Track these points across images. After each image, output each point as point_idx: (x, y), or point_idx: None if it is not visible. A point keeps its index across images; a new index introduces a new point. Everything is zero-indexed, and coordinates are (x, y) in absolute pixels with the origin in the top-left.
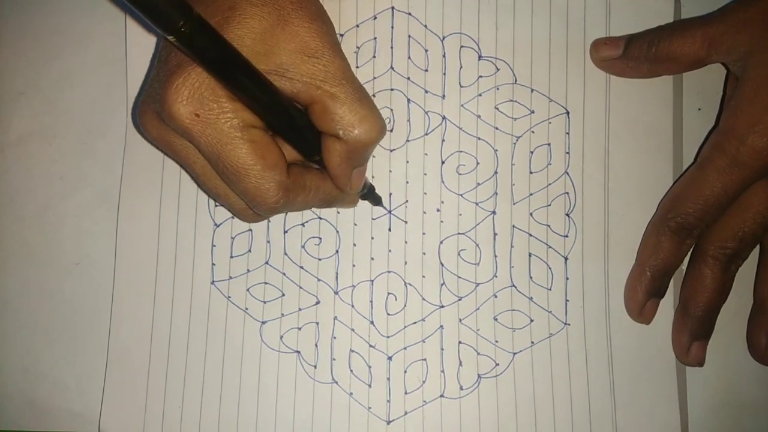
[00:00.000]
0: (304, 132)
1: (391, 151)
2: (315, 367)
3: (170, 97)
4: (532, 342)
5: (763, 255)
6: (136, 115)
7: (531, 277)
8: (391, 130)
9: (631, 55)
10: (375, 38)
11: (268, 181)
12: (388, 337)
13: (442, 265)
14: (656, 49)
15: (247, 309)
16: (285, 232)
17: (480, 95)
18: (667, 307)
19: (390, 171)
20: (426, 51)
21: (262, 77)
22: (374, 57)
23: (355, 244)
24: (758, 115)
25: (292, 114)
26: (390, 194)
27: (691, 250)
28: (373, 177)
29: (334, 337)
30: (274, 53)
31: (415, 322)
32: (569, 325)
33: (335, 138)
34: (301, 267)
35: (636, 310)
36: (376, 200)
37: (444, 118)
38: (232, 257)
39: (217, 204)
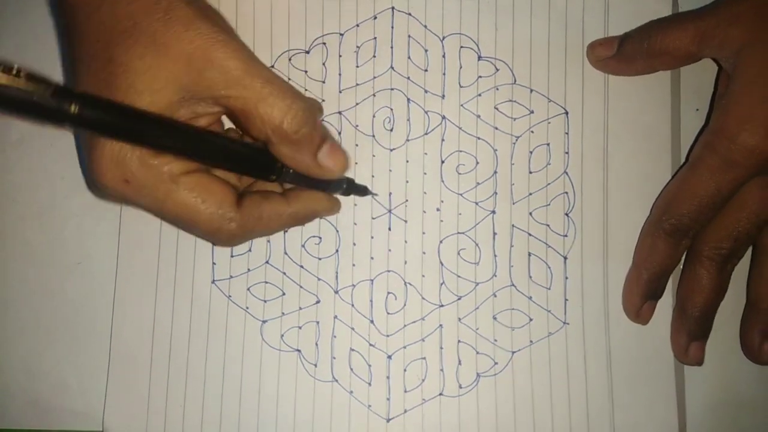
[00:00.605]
0: (244, 157)
1: (391, 150)
2: (315, 365)
3: (95, 172)
4: (531, 341)
5: (756, 254)
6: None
7: (530, 277)
8: (391, 130)
9: (625, 52)
10: (375, 38)
11: (218, 221)
12: (387, 336)
13: (442, 264)
14: (648, 44)
15: (247, 308)
16: (285, 231)
17: (479, 95)
18: (665, 307)
19: (390, 170)
20: (426, 51)
21: (176, 122)
22: (374, 57)
23: (355, 244)
24: (749, 112)
25: (223, 146)
26: (390, 193)
27: (687, 251)
28: (373, 176)
29: (335, 336)
30: (170, 83)
31: (414, 321)
32: (568, 324)
33: (271, 141)
34: (302, 266)
35: (633, 312)
36: (360, 191)
37: (444, 117)
38: (232, 256)
39: None
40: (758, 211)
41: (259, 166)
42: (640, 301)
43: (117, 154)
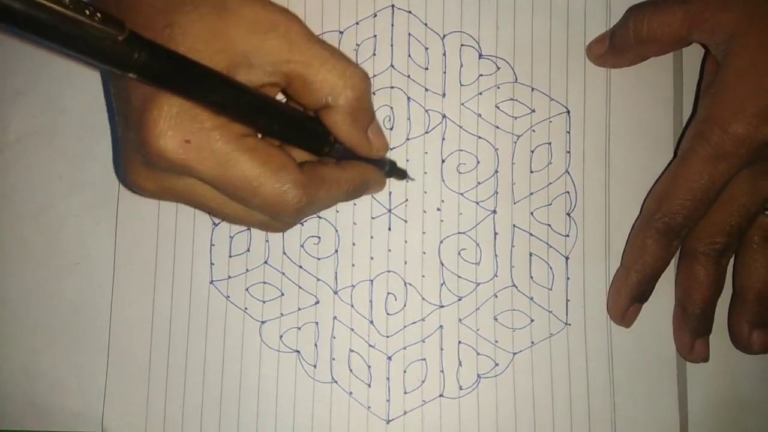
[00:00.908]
0: (301, 124)
1: (391, 149)
2: (315, 366)
3: (152, 135)
4: (533, 342)
5: (741, 244)
6: (123, 178)
7: (531, 277)
8: (391, 128)
9: (616, 44)
10: (375, 36)
11: (283, 183)
12: (387, 336)
13: (442, 264)
14: (634, 31)
15: (246, 309)
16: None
17: (480, 94)
18: (665, 306)
19: None
20: (426, 49)
21: (237, 83)
22: (374, 55)
23: (354, 244)
24: (741, 102)
25: (280, 110)
26: (390, 193)
27: (681, 248)
28: None
29: (334, 337)
30: (231, 46)
31: (414, 322)
32: (570, 325)
33: (329, 109)
34: (301, 266)
35: (618, 315)
36: (401, 174)
37: (444, 116)
38: (230, 257)
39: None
40: (748, 203)
41: (315, 136)
42: (627, 303)
43: (176, 113)
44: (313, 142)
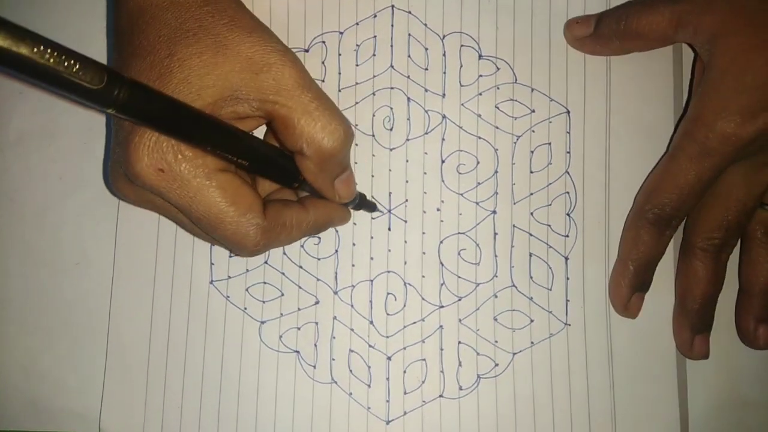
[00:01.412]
0: (274, 162)
1: (391, 150)
2: (314, 367)
3: (131, 158)
4: (532, 342)
5: (744, 240)
6: (110, 184)
7: (531, 277)
8: (391, 129)
9: (601, 32)
10: (375, 36)
11: (245, 226)
12: (387, 337)
13: (442, 264)
14: (624, 25)
15: (246, 309)
16: None
17: (480, 94)
18: (665, 306)
19: (390, 170)
20: (426, 50)
21: (217, 121)
22: (374, 55)
23: (354, 244)
24: (725, 101)
25: (256, 148)
26: (390, 193)
27: (680, 245)
28: (372, 176)
29: (334, 337)
30: (222, 81)
31: (414, 322)
32: (569, 325)
33: (302, 155)
34: (300, 267)
35: (621, 305)
36: (370, 207)
37: (444, 117)
38: (230, 257)
39: None
40: (744, 198)
41: (286, 173)
42: (627, 293)
43: (155, 142)
44: (284, 178)
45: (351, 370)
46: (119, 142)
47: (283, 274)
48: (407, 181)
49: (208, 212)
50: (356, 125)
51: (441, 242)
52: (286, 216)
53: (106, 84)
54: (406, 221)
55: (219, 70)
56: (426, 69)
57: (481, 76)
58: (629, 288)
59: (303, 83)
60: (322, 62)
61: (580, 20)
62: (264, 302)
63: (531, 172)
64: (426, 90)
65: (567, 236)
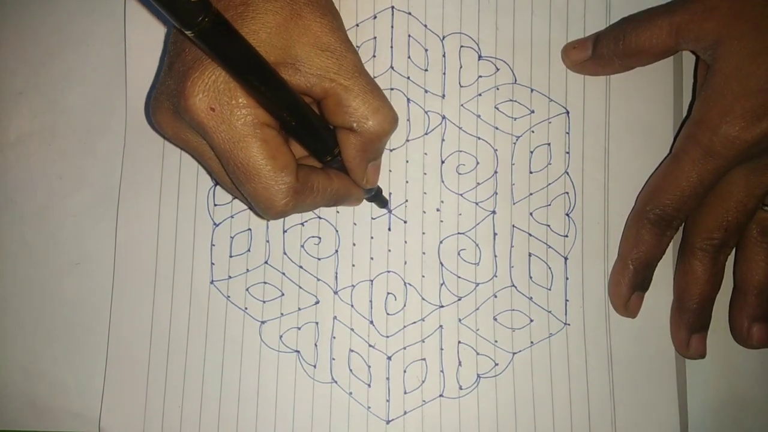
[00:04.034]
0: (317, 130)
1: (391, 150)
2: (314, 366)
3: (187, 91)
4: (532, 342)
5: (741, 239)
6: (149, 111)
7: (531, 277)
8: None
9: (600, 53)
10: (375, 37)
11: (278, 183)
12: (387, 336)
13: (442, 264)
14: (623, 44)
15: (246, 309)
16: (284, 231)
17: (480, 95)
18: (665, 306)
19: (390, 171)
20: (426, 50)
21: (278, 76)
22: (374, 56)
23: (354, 244)
24: (729, 105)
25: (306, 112)
26: (390, 194)
27: (679, 245)
28: None
29: (334, 337)
30: (288, 46)
31: (414, 322)
32: (569, 325)
33: (349, 131)
34: (301, 267)
35: (621, 304)
36: (383, 202)
37: (444, 117)
38: (231, 257)
39: (216, 204)
40: (744, 199)
41: (324, 146)
42: (627, 292)
43: (214, 82)
44: (321, 148)
45: (351, 370)
46: (175, 74)
47: (284, 274)
48: (407, 182)
49: (246, 162)
50: None
51: (441, 242)
52: (314, 180)
53: (195, 5)
54: (406, 221)
55: (288, 36)
56: (426, 70)
57: (480, 76)
58: (629, 287)
59: (362, 69)
60: None
61: (576, 44)
62: (264, 302)
63: (530, 172)
64: (426, 91)
65: (566, 236)
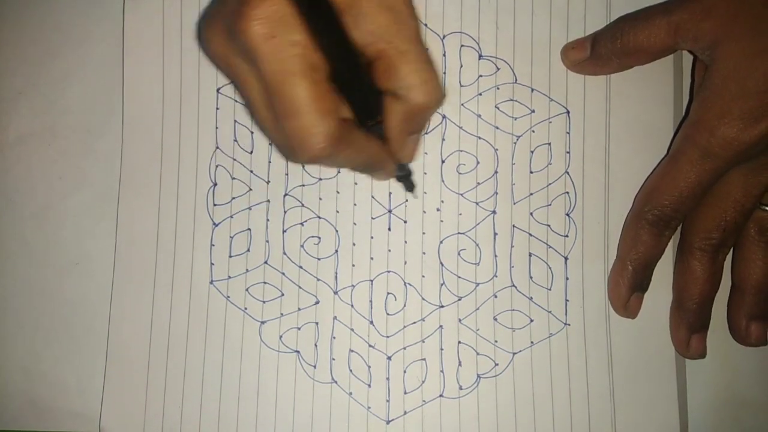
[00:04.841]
0: (366, 90)
1: None
2: (314, 366)
3: (249, 14)
4: (532, 342)
5: (739, 238)
6: (200, 30)
7: (531, 277)
8: None
9: (599, 53)
10: None
11: (319, 125)
12: (387, 337)
13: (442, 264)
14: (621, 43)
15: (246, 309)
16: (284, 231)
17: (480, 94)
18: (665, 306)
19: None
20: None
21: (340, 22)
22: None
23: (354, 244)
24: (727, 106)
25: (359, 67)
26: (390, 193)
27: (678, 245)
28: None
29: (334, 337)
30: None
31: (414, 322)
32: (569, 325)
33: (396, 98)
34: (301, 267)
35: (620, 305)
36: (410, 186)
37: (444, 117)
38: (230, 257)
39: (215, 204)
40: (742, 199)
41: (369, 108)
42: (626, 293)
43: (277, 11)
44: (365, 111)
45: (351, 370)
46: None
47: (283, 274)
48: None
49: (293, 97)
50: None
51: (441, 242)
52: (355, 136)
53: None
54: (406, 221)
55: None
56: None
57: (481, 76)
58: (628, 288)
59: (420, 38)
60: None
61: (575, 45)
62: (264, 302)
63: (531, 172)
64: None
65: (566, 236)
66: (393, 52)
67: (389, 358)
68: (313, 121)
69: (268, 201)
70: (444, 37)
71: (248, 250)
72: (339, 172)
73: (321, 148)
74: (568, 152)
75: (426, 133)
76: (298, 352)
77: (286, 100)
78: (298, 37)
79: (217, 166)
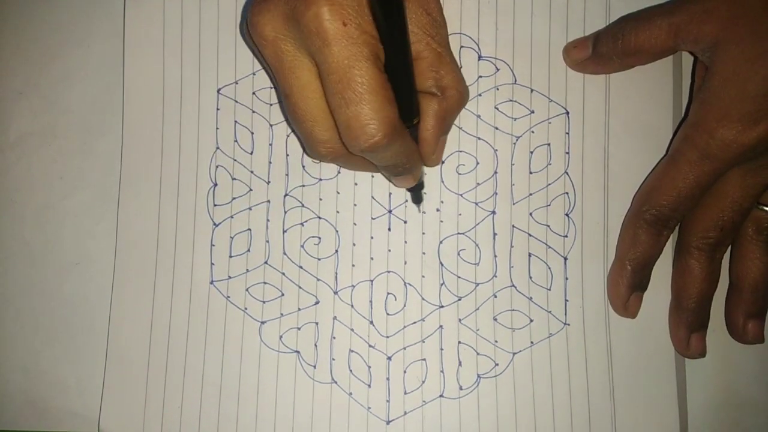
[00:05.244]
0: (414, 86)
1: None
2: (314, 367)
3: (320, 0)
4: (532, 342)
5: (736, 237)
6: (250, 10)
7: (530, 277)
8: None
9: (600, 52)
10: None
11: (386, 111)
12: (387, 337)
13: (442, 264)
14: (622, 43)
15: (246, 309)
16: (284, 231)
17: (480, 95)
18: (664, 306)
19: None
20: None
21: (405, 16)
22: None
23: (354, 244)
24: (726, 108)
25: (413, 63)
26: (390, 194)
27: (676, 244)
28: (372, 176)
29: (334, 337)
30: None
31: (414, 322)
32: (569, 325)
33: (432, 96)
34: (301, 267)
35: (620, 305)
36: (418, 198)
37: None
38: (231, 257)
39: (216, 204)
40: (740, 199)
41: (411, 106)
42: (626, 292)
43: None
44: (409, 109)
45: (351, 370)
46: None
47: (284, 274)
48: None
49: (363, 82)
50: None
51: (441, 242)
52: (405, 132)
53: None
54: (405, 221)
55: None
56: None
57: (480, 77)
58: (627, 287)
59: (449, 45)
60: None
61: (577, 43)
62: (264, 302)
63: (530, 172)
64: None
65: (566, 236)
66: (431, 53)
67: (389, 358)
68: (382, 106)
69: (269, 201)
70: None
71: (248, 251)
72: (339, 172)
73: (382, 135)
74: (568, 153)
75: None
76: (298, 352)
77: (354, 85)
78: (367, 26)
79: (217, 167)
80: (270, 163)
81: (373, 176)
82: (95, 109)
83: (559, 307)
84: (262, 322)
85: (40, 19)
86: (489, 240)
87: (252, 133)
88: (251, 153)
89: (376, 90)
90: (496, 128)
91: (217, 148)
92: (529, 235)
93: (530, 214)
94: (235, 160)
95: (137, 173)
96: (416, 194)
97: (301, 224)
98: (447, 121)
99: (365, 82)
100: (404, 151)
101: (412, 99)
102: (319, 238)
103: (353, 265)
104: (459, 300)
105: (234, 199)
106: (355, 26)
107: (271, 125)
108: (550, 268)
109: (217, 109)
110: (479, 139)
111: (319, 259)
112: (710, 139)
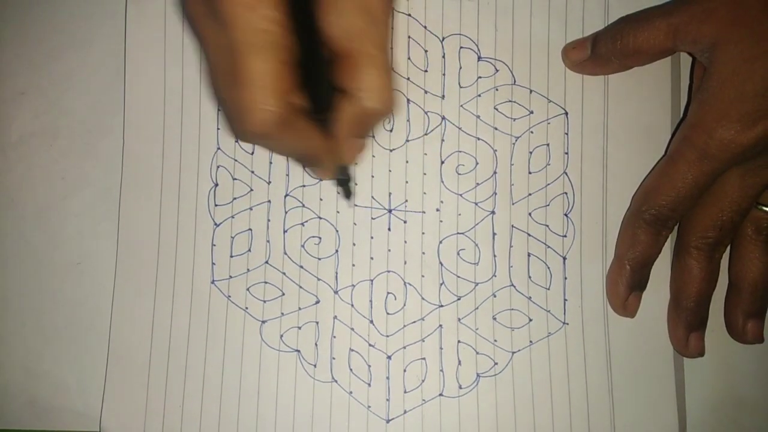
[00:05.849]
0: (323, 82)
1: (391, 151)
2: (315, 366)
3: None
4: (531, 341)
5: (736, 237)
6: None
7: (530, 277)
8: (391, 130)
9: (599, 53)
10: None
11: (266, 102)
12: (387, 336)
13: (442, 264)
14: (621, 44)
15: (247, 308)
16: (285, 231)
17: (479, 96)
18: (663, 306)
19: (390, 171)
20: (425, 52)
21: (319, 12)
22: None
23: (354, 244)
24: (725, 108)
25: (324, 58)
26: (390, 194)
27: (675, 244)
28: (372, 176)
29: (334, 337)
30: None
31: (414, 322)
32: (568, 324)
33: (350, 97)
34: (301, 266)
35: (619, 305)
36: (347, 193)
37: (443, 118)
38: (232, 257)
39: (217, 204)
40: (739, 199)
41: (322, 99)
42: (625, 292)
43: None
44: (319, 102)
45: (351, 369)
46: None
47: (284, 273)
48: (407, 182)
49: (249, 68)
50: None
51: (440, 242)
52: (301, 123)
53: None
54: (405, 221)
55: None
56: (425, 71)
57: (480, 77)
58: (626, 287)
59: (388, 48)
60: None
61: (576, 45)
62: (265, 302)
63: (529, 172)
64: (425, 91)
65: (565, 236)
66: (360, 54)
67: (389, 357)
68: (261, 97)
69: (269, 201)
70: (443, 39)
71: (249, 250)
72: None
73: (262, 125)
74: (567, 153)
75: (426, 134)
76: (298, 351)
77: (242, 69)
78: (273, 13)
79: (218, 167)
80: (271, 163)
81: (373, 176)
82: (97, 109)
83: (558, 306)
84: (263, 322)
85: (42, 20)
86: (488, 240)
87: None
88: (252, 153)
89: (263, 78)
90: (496, 128)
91: (218, 148)
92: (529, 234)
93: (529, 214)
94: (235, 160)
95: (138, 173)
96: (344, 188)
97: (302, 224)
98: (361, 124)
99: (253, 69)
100: (298, 143)
101: (320, 93)
102: (320, 238)
103: (353, 265)
104: (458, 299)
105: (235, 199)
106: (260, 12)
107: None
108: (549, 267)
109: (218, 109)
110: (479, 139)
111: (319, 259)
112: (709, 139)
